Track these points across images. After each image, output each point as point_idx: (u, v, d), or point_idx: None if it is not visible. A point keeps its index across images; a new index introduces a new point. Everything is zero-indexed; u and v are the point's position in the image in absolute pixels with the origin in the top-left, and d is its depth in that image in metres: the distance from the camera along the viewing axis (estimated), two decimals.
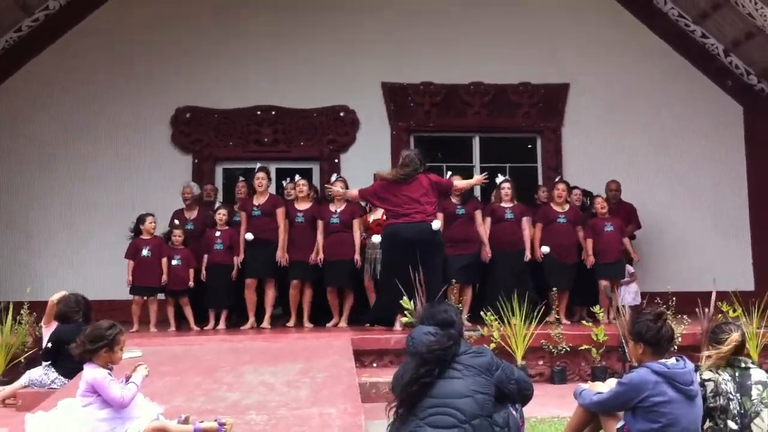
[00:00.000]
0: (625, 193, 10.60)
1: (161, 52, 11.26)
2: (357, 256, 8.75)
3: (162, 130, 11.24)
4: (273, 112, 11.36)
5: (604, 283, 8.88)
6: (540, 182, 11.21)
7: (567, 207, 9.38)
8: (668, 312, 4.40)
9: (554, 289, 8.52)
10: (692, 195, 11.59)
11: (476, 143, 11.74)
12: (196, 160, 11.25)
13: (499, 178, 9.43)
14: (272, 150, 11.33)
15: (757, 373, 4.37)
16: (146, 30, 11.29)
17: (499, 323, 7.26)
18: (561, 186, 9.41)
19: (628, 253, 9.42)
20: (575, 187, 10.04)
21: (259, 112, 11.35)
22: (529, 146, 11.93)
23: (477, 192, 10.51)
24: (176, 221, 9.36)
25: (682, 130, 11.68)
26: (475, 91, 11.60)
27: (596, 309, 8.01)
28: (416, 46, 11.46)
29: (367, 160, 10.76)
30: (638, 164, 11.52)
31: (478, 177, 8.78)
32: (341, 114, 11.47)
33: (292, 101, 11.35)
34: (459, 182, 8.51)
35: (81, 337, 4.56)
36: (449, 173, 8.97)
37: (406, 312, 7.14)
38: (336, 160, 11.27)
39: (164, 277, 8.86)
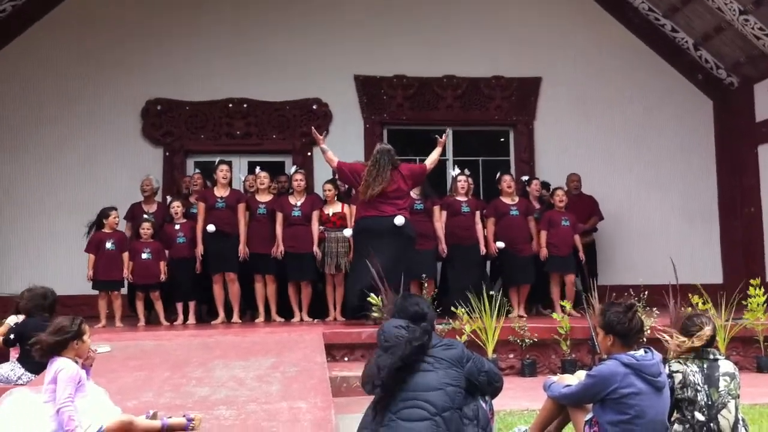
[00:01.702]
0: (597, 186, 10.68)
1: (132, 43, 11.13)
2: (316, 248, 8.72)
3: (132, 123, 11.14)
4: (245, 105, 11.30)
5: (570, 277, 8.97)
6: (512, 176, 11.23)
7: (517, 199, 9.39)
8: (638, 304, 4.40)
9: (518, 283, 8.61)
10: (662, 188, 11.70)
11: (449, 136, 11.72)
12: (167, 153, 11.16)
13: (455, 171, 9.45)
14: (244, 143, 11.29)
15: (724, 365, 4.40)
16: (116, 22, 11.16)
17: (468, 317, 7.27)
18: (507, 178, 9.41)
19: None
20: (534, 178, 10.12)
21: (231, 105, 11.28)
22: (502, 139, 11.97)
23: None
24: (144, 215, 9.26)
25: (652, 123, 11.78)
26: (448, 84, 11.62)
27: (565, 303, 8.04)
28: (389, 39, 11.45)
29: (340, 152, 10.56)
30: (609, 157, 11.62)
31: (439, 142, 8.52)
32: (314, 107, 11.43)
33: (264, 94, 11.30)
34: (429, 162, 8.41)
35: (45, 335, 4.47)
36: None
37: (373, 307, 7.12)
38: (309, 153, 11.23)
39: (125, 272, 8.77)
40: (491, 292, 7.48)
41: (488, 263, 9.54)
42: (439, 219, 8.96)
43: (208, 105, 11.26)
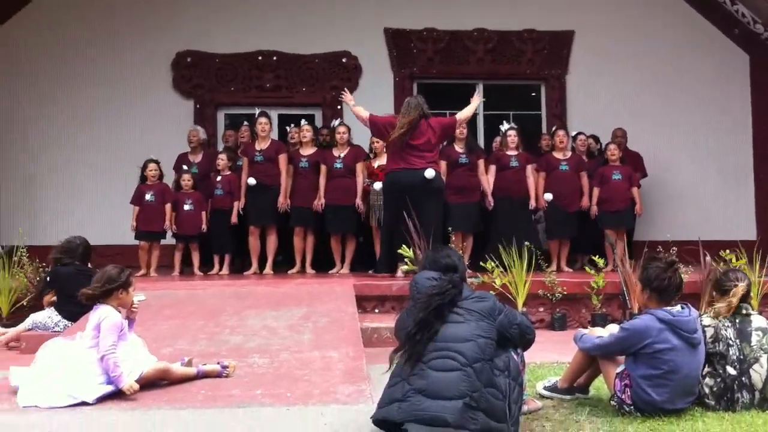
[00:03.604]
0: (630, 142, 10.54)
1: None
2: (359, 201, 8.74)
3: (163, 75, 11.15)
4: (275, 58, 11.25)
5: (608, 232, 8.90)
6: (544, 130, 11.13)
7: (569, 154, 9.35)
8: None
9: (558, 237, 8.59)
10: (696, 144, 11.54)
11: (480, 90, 11.59)
12: (197, 105, 11.18)
13: (504, 126, 9.38)
14: (274, 96, 11.26)
15: (757, 320, 4.40)
16: None
17: (500, 271, 7.27)
18: (561, 133, 9.35)
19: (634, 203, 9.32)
20: (580, 133, 9.96)
21: (260, 58, 11.24)
22: (533, 94, 11.84)
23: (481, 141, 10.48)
24: (184, 166, 9.34)
25: (687, 78, 11.56)
26: (479, 38, 11.48)
27: (597, 258, 8.01)
28: None
29: (370, 106, 10.48)
30: (642, 113, 11.43)
31: (474, 98, 8.45)
32: (343, 60, 11.35)
33: (294, 47, 11.24)
34: (461, 115, 8.31)
35: (94, 282, 4.56)
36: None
37: (406, 259, 7.14)
38: (339, 107, 11.16)
39: (167, 223, 8.89)
40: (536, 246, 7.47)
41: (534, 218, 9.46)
42: (485, 173, 8.93)
43: (238, 57, 11.23)
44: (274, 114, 10.91)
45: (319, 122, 11.01)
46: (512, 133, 9.13)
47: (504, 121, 9.67)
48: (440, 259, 4.31)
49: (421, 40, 11.44)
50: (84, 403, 4.17)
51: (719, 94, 11.59)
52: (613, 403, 4.29)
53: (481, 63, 11.51)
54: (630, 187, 9.23)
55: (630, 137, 10.56)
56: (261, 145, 8.98)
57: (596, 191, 9.15)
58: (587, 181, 9.25)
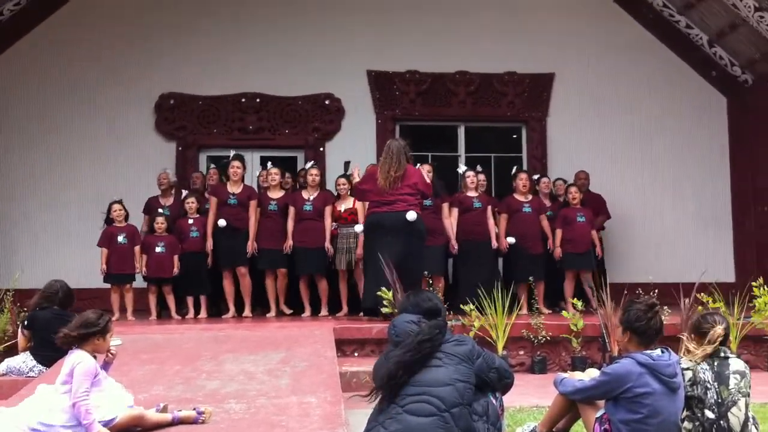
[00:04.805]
0: (609, 183, 10.64)
1: (145, 38, 11.16)
2: (328, 244, 8.76)
3: (145, 117, 11.17)
4: (258, 100, 11.30)
5: (587, 275, 8.93)
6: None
7: (530, 196, 9.38)
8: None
9: (530, 279, 8.60)
10: (675, 186, 11.65)
11: (461, 132, 11.73)
12: (180, 148, 11.19)
13: (461, 168, 9.49)
14: (257, 138, 11.29)
15: (735, 363, 4.38)
16: (128, 16, 11.20)
17: (477, 313, 7.26)
18: (523, 175, 9.40)
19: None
20: (543, 176, 10.11)
21: (243, 100, 11.29)
22: (514, 136, 11.93)
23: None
24: (160, 210, 9.29)
25: (666, 120, 11.71)
26: (461, 80, 11.59)
27: (576, 301, 8.04)
28: (402, 34, 11.42)
29: (352, 148, 10.75)
30: (622, 154, 11.57)
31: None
32: (326, 102, 11.42)
33: (276, 89, 11.30)
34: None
35: (72, 325, 4.51)
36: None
37: (384, 302, 7.12)
38: (321, 149, 11.23)
39: (137, 265, 8.82)
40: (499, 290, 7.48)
41: (500, 261, 9.51)
42: (449, 216, 8.96)
43: (221, 99, 11.27)
44: (256, 156, 10.97)
45: (300, 164, 11.04)
46: (470, 174, 9.21)
47: (460, 164, 9.76)
48: (422, 302, 4.30)
49: (404, 82, 11.53)
50: None
51: (698, 136, 11.73)
52: None
53: (462, 105, 11.60)
54: (591, 230, 9.31)
55: (610, 178, 10.67)
56: (234, 189, 8.98)
57: (559, 233, 9.19)
58: (547, 224, 9.28)
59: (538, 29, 11.60)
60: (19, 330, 6.73)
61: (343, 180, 9.04)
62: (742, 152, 11.53)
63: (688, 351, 4.37)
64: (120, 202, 9.00)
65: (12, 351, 6.80)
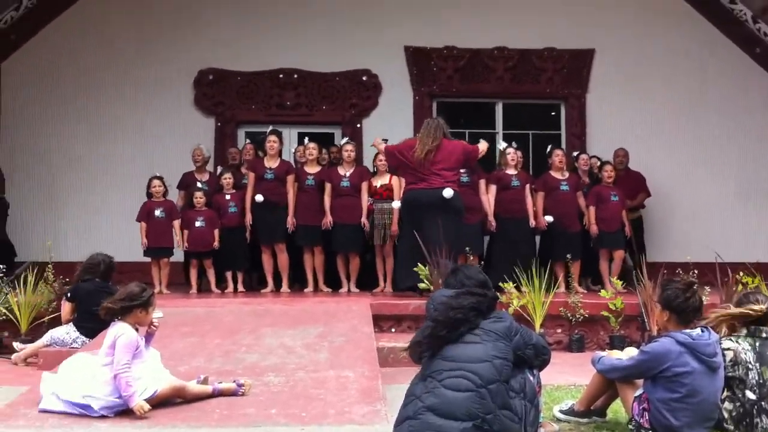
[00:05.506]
0: (650, 160, 10.49)
1: (185, 13, 11.21)
2: (364, 220, 8.77)
3: (185, 92, 11.24)
4: (295, 76, 11.30)
5: (619, 253, 8.91)
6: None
7: (567, 174, 9.28)
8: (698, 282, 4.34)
9: (568, 256, 8.53)
10: (716, 164, 11.46)
11: (499, 109, 11.63)
12: (218, 123, 11.25)
13: (502, 145, 9.36)
14: (294, 114, 11.30)
15: None
16: None
17: (516, 292, 7.24)
18: (558, 152, 9.28)
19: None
20: (582, 153, 9.97)
21: (281, 76, 11.30)
22: (553, 113, 11.81)
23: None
24: (198, 185, 9.37)
25: (707, 97, 11.51)
26: (499, 56, 11.47)
27: (616, 281, 7.98)
28: (440, 10, 11.32)
29: (389, 125, 10.71)
30: (662, 131, 11.40)
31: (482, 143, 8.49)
32: (364, 78, 11.39)
33: (314, 65, 11.28)
34: (482, 147, 8.34)
35: (116, 297, 4.59)
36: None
37: (423, 278, 7.13)
38: (358, 125, 11.22)
39: (178, 240, 8.92)
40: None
41: (537, 239, 9.45)
42: (486, 192, 8.91)
43: (259, 75, 11.29)
44: (294, 132, 11.00)
45: (338, 140, 11.04)
46: (510, 151, 9.09)
47: (502, 141, 9.67)
48: (473, 275, 4.32)
49: (441, 59, 11.45)
50: (89, 407, 4.28)
51: (740, 114, 11.51)
52: (630, 427, 4.24)
53: (500, 82, 11.49)
54: (623, 209, 9.23)
55: (650, 155, 10.52)
56: (271, 164, 9.01)
57: (592, 210, 9.07)
58: (584, 202, 9.19)
59: (578, 4, 11.42)
60: (63, 302, 6.87)
61: (381, 156, 9.01)
62: None
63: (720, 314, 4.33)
64: (160, 177, 9.09)
65: (56, 322, 6.94)
